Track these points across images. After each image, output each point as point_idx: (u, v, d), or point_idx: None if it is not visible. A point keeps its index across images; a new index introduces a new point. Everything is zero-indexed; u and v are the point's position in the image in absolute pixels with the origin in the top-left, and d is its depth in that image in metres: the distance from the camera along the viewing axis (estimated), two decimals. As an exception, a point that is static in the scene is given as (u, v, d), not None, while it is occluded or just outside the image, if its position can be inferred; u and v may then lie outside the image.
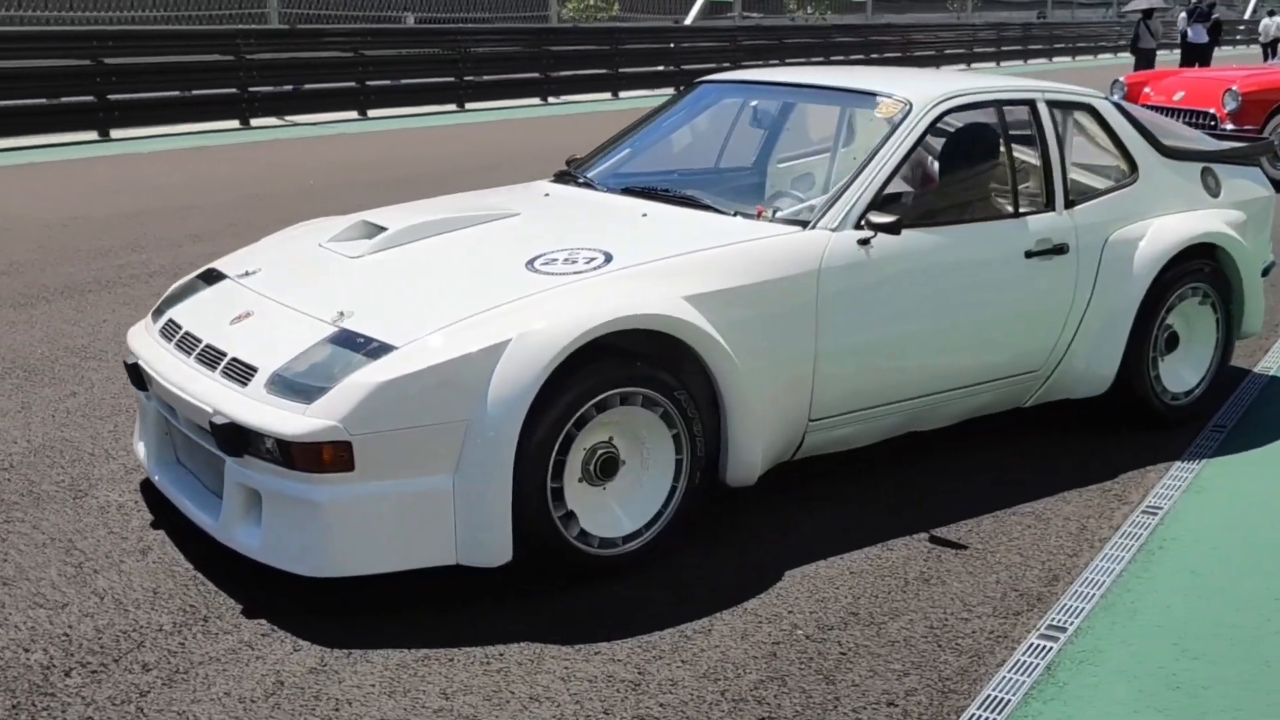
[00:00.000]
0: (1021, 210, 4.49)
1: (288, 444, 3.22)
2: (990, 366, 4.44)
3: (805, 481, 4.26)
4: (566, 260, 3.76)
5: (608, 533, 3.56)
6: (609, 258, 3.76)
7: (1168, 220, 4.81)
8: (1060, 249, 4.48)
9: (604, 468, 3.54)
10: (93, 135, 14.96)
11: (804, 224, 4.03)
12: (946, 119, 4.42)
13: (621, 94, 21.98)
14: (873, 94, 4.48)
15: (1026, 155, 4.73)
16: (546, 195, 4.70)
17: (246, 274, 4.12)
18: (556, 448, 3.39)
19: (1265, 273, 5.36)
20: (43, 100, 15.05)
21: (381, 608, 3.40)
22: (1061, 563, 3.73)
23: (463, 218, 4.27)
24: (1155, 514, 4.09)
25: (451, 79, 19.74)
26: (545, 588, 3.51)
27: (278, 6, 20.51)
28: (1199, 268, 4.87)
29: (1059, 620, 3.37)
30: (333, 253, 4.11)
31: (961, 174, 4.46)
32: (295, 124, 17.03)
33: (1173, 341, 4.92)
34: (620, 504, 3.60)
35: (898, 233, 3.99)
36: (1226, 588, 3.57)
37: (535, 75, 21.07)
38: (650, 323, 3.49)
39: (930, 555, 3.77)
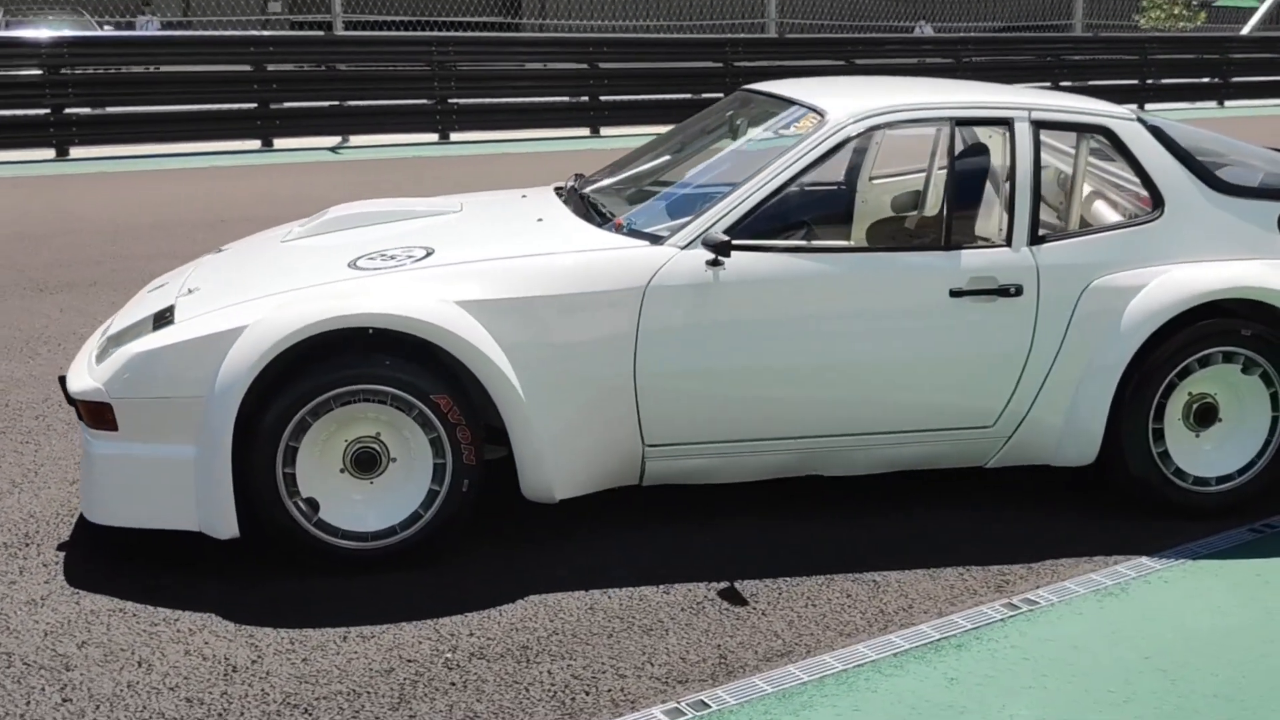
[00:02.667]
0: (958, 243, 3.91)
1: (73, 400, 3.61)
2: (911, 415, 3.92)
3: (642, 513, 4.02)
4: (387, 256, 3.83)
5: (353, 526, 3.61)
6: (428, 254, 3.80)
7: (1191, 269, 3.97)
8: (1008, 290, 3.85)
9: (363, 462, 3.59)
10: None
11: (656, 239, 3.80)
12: (878, 135, 3.95)
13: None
14: (812, 107, 4.09)
15: (982, 181, 4.10)
16: (523, 197, 4.73)
17: (220, 250, 4.58)
18: (287, 434, 3.50)
19: None
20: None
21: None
22: (746, 644, 3.27)
23: (405, 211, 4.44)
24: (1012, 613, 3.44)
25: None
26: (289, 569, 3.62)
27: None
28: (1233, 329, 3.97)
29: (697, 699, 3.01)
30: (286, 238, 4.43)
31: (872, 197, 3.97)
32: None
33: (1207, 416, 4.05)
34: (372, 500, 3.63)
35: (726, 254, 3.65)
36: None
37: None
38: (386, 323, 3.49)
39: (681, 606, 3.45)
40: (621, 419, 3.72)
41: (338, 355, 3.52)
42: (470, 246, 3.91)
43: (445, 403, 3.56)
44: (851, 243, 4.10)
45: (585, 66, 15.97)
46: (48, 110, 13.05)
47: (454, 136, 14.69)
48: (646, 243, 3.79)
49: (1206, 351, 3.98)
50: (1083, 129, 4.12)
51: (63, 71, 13.17)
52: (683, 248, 3.72)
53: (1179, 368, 3.96)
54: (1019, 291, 3.86)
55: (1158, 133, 4.11)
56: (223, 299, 3.72)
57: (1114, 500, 4.09)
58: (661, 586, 3.56)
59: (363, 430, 3.60)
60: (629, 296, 3.66)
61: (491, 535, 3.84)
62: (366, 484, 3.62)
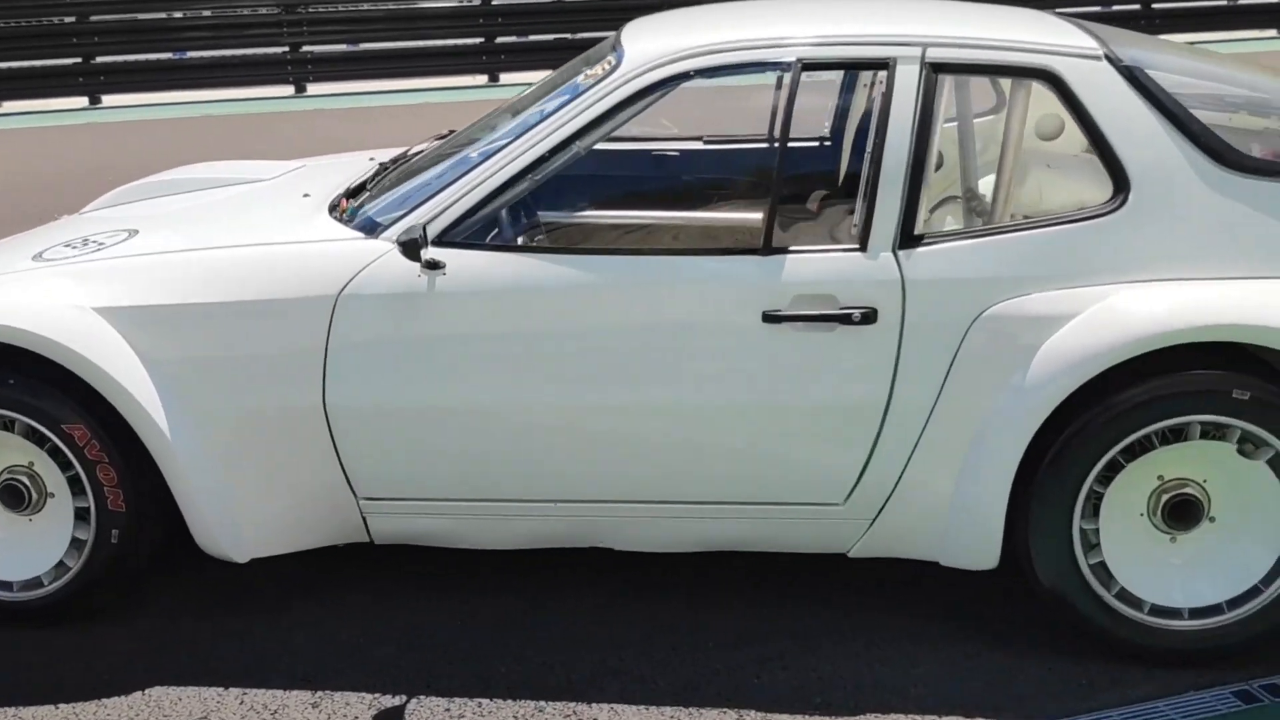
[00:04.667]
0: (786, 244, 2.71)
1: None
2: (721, 483, 2.80)
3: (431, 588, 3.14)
4: (87, 243, 3.13)
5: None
6: (122, 240, 3.08)
7: (1155, 291, 2.58)
8: (850, 316, 2.64)
9: (8, 496, 2.96)
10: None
11: (372, 231, 2.87)
12: (684, 85, 2.79)
13: None
14: (618, 48, 2.95)
15: (834, 153, 2.83)
16: (370, 159, 3.82)
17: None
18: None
19: None
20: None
21: None
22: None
23: (219, 179, 3.73)
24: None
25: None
26: None
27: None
28: (1219, 389, 2.55)
29: None
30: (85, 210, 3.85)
31: (654, 179, 2.82)
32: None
33: (1186, 514, 2.68)
34: (16, 541, 2.99)
35: (414, 257, 2.67)
36: None
37: None
38: None
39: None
40: (320, 463, 2.85)
41: None
42: (176, 232, 3.14)
43: (81, 434, 2.84)
44: (632, 242, 2.98)
45: (478, 2, 14.09)
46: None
47: (311, 89, 13.13)
48: (361, 236, 2.87)
49: (1174, 421, 2.60)
50: (1012, 73, 2.77)
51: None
52: (395, 242, 2.78)
53: (1125, 442, 2.61)
54: (869, 318, 2.63)
55: (1134, 78, 2.70)
56: None
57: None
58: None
59: (14, 459, 2.96)
60: (316, 306, 2.76)
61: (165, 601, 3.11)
62: (24, 521, 2.99)
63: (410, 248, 2.68)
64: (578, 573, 3.12)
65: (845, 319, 2.63)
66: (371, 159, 3.67)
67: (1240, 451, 2.61)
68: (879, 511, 2.78)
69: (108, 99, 13.27)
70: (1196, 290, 2.57)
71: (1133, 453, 2.63)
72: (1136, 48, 2.86)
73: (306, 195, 3.28)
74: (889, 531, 2.81)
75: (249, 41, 13.58)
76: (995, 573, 2.78)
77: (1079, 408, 2.60)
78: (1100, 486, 2.64)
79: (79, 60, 13.43)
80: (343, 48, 13.98)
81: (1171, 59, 2.93)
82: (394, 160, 3.46)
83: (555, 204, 3.02)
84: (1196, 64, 3.06)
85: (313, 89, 13.41)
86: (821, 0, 3.23)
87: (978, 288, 2.63)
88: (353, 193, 3.19)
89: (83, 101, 13.25)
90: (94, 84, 13.41)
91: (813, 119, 3.45)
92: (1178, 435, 2.62)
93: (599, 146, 2.88)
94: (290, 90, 13.41)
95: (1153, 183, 2.63)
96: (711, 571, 3.11)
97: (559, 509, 2.85)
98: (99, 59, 13.47)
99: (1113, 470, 2.64)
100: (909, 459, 2.71)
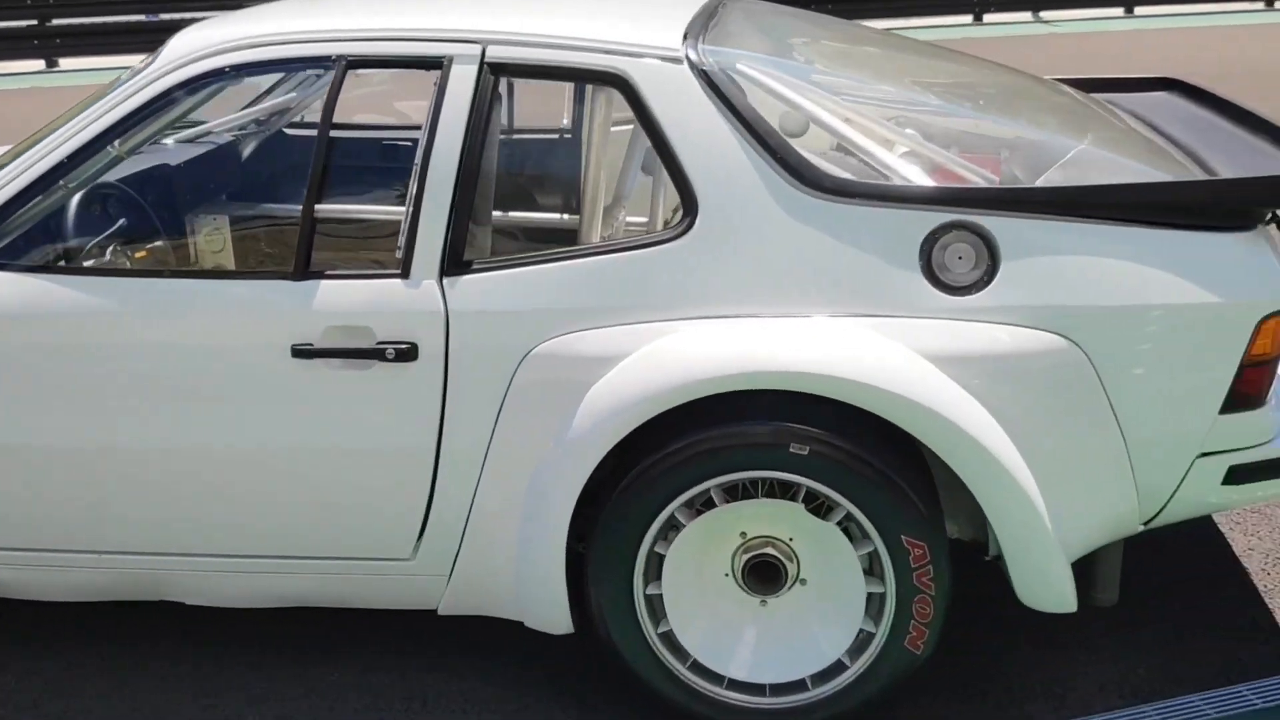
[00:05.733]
0: (323, 268, 2.41)
1: None
2: (274, 535, 2.51)
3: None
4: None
5: None
6: None
7: (711, 331, 2.26)
8: (384, 353, 2.34)
9: None
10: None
11: None
12: (220, 81, 2.49)
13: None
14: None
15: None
16: None
17: None
18: None
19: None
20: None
21: None
22: None
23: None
24: None
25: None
26: None
27: None
28: (775, 443, 2.23)
29: None
30: None
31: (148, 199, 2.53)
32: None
33: (769, 577, 2.36)
34: None
35: None
36: None
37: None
38: None
39: None
40: None
41: None
42: None
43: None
44: (156, 264, 2.66)
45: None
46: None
47: None
48: None
49: (733, 477, 2.28)
50: (580, 76, 2.44)
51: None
52: None
53: (683, 498, 2.30)
54: (408, 354, 2.34)
55: (714, 83, 2.35)
56: None
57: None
58: None
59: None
60: None
61: None
62: None
63: None
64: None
65: (380, 354, 2.34)
66: None
67: (814, 510, 2.29)
68: (453, 566, 2.49)
69: (65, 62, 13.11)
70: (754, 331, 2.24)
71: (697, 509, 2.32)
72: (745, 48, 2.53)
73: None
74: (470, 588, 2.51)
75: None
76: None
77: (629, 465, 2.30)
78: (658, 548, 2.34)
79: (34, 23, 13.26)
80: None
81: (790, 63, 2.59)
82: None
83: (95, 217, 2.72)
84: (837, 67, 2.72)
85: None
86: None
87: (528, 321, 2.31)
88: None
89: (39, 65, 13.10)
90: (50, 47, 13.24)
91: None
92: (728, 496, 2.31)
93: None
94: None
95: (721, 204, 2.30)
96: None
97: (109, 560, 2.57)
98: (55, 21, 13.30)
99: (669, 533, 2.33)
100: (469, 510, 2.42)
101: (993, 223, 2.26)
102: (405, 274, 2.35)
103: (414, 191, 2.38)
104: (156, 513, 2.52)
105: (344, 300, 2.37)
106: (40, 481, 2.50)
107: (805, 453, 2.23)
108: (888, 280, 2.26)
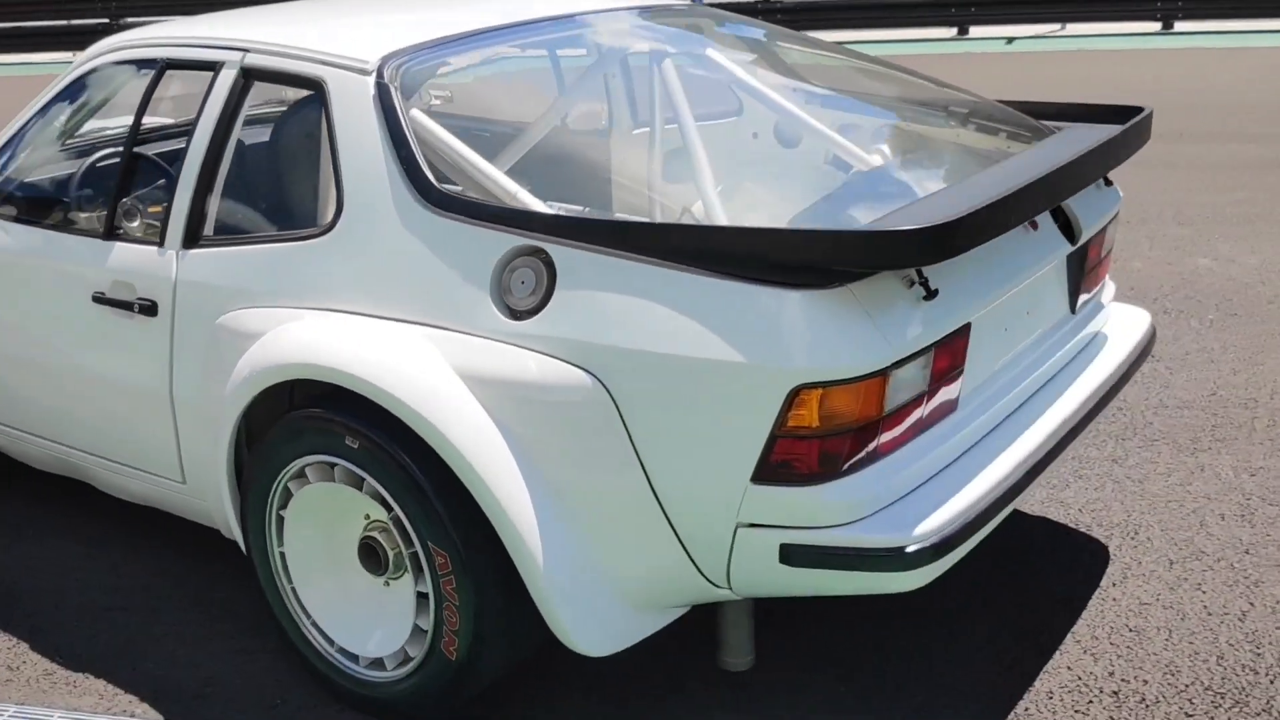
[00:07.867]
0: (121, 231, 2.92)
1: None
2: (99, 439, 3.11)
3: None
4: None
5: None
6: None
7: (308, 323, 2.48)
8: (138, 306, 2.81)
9: None
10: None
11: None
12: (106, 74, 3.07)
13: None
14: None
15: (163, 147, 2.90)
16: None
17: None
18: None
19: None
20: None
21: None
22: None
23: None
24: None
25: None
26: None
27: None
28: (333, 431, 2.41)
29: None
30: None
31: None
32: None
33: (375, 558, 2.53)
34: None
35: None
36: None
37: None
38: None
39: None
40: None
41: None
42: None
43: None
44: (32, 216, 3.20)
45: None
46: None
47: None
48: None
49: (311, 459, 2.50)
50: (300, 83, 2.70)
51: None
52: None
53: (289, 469, 2.55)
54: (150, 310, 2.79)
55: (384, 98, 2.52)
56: None
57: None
58: None
59: None
60: None
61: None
62: None
63: None
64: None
65: (134, 307, 2.81)
66: None
67: (382, 501, 2.43)
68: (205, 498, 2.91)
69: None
70: (320, 328, 2.44)
71: (310, 482, 2.55)
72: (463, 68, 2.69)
73: None
74: (219, 515, 2.91)
75: None
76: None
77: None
78: (280, 512, 2.60)
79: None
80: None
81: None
82: None
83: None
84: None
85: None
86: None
87: (221, 295, 2.67)
88: None
89: None
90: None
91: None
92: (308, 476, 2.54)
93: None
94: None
95: (359, 206, 2.49)
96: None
97: (46, 442, 3.27)
98: None
99: (285, 503, 2.60)
100: (198, 448, 2.82)
101: (558, 251, 2.26)
102: (161, 243, 2.80)
103: (175, 174, 2.81)
104: (24, 409, 3.23)
105: (125, 261, 2.87)
106: None
107: (356, 446, 2.38)
108: (461, 296, 2.33)
